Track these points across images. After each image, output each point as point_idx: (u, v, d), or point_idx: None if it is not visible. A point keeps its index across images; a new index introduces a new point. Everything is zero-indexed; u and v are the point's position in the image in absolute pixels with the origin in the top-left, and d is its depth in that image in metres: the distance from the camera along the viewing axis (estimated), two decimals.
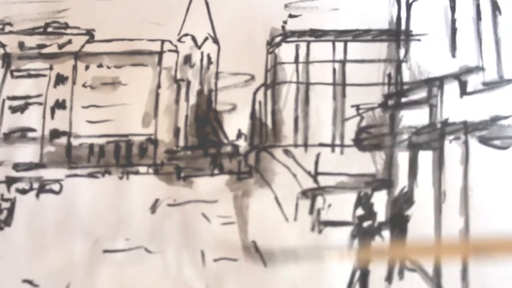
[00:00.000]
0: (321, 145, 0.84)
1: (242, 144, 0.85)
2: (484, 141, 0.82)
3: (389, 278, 0.79)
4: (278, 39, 0.88)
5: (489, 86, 0.84)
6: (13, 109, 0.87)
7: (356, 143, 0.84)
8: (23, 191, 0.84)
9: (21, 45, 0.88)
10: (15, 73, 0.88)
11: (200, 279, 0.80)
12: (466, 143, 0.82)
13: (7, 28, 0.89)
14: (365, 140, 0.84)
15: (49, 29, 0.89)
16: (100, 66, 0.88)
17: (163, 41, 0.88)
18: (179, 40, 0.88)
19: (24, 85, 0.87)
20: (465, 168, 0.81)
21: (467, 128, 0.82)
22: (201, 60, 0.87)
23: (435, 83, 0.84)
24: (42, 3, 0.90)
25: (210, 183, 0.83)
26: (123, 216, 0.82)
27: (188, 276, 0.80)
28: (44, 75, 0.88)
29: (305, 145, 0.84)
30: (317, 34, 0.88)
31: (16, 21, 0.90)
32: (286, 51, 0.87)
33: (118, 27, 0.88)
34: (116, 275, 0.81)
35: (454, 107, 0.83)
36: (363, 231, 0.81)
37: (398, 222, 0.81)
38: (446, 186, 0.81)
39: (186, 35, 0.88)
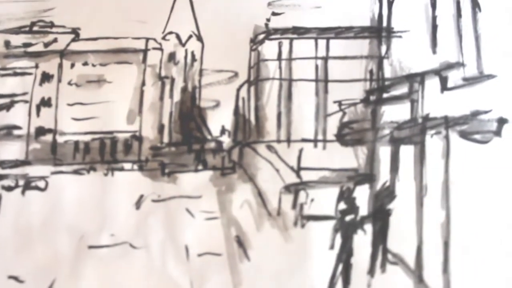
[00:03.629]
0: (304, 140, 0.85)
1: (226, 140, 0.86)
2: (464, 135, 0.83)
3: (371, 271, 0.80)
4: (261, 36, 0.89)
5: (469, 81, 0.85)
6: None
7: (339, 138, 0.85)
8: (9, 188, 0.84)
9: (7, 44, 0.89)
10: (1, 72, 0.88)
11: (185, 273, 0.81)
12: (447, 138, 0.83)
13: None
14: (347, 135, 0.85)
15: (35, 28, 0.90)
16: (85, 64, 0.88)
17: (147, 39, 0.89)
18: (163, 38, 0.89)
19: (9, 83, 0.88)
20: (446, 162, 0.82)
21: (448, 122, 0.83)
22: (185, 57, 0.88)
23: (416, 79, 0.85)
24: (28, 3, 0.91)
25: (194, 179, 0.84)
26: (108, 212, 0.83)
27: (172, 271, 0.81)
28: (30, 73, 0.89)
29: (288, 141, 0.85)
30: (300, 32, 0.89)
31: (2, 20, 0.90)
32: (269, 48, 0.88)
33: (103, 26, 0.89)
34: (101, 271, 0.81)
35: (435, 102, 0.84)
36: (346, 225, 0.81)
37: (380, 215, 0.81)
38: (427, 180, 0.82)
39: (170, 33, 0.89)
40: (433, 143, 0.83)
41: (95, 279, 0.81)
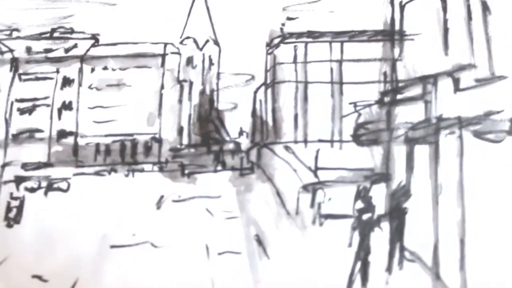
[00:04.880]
0: (321, 141, 0.86)
1: (244, 141, 0.87)
2: (478, 135, 0.85)
3: (389, 269, 0.81)
4: (276, 40, 0.91)
5: (481, 82, 0.86)
6: (21, 111, 0.89)
7: (355, 139, 0.86)
8: (32, 190, 0.86)
9: (28, 49, 0.91)
10: (23, 77, 0.90)
11: (205, 272, 0.82)
12: (460, 137, 0.85)
13: (15, 34, 0.92)
14: (363, 135, 0.86)
15: (56, 34, 0.92)
16: (105, 68, 0.90)
17: (165, 44, 0.91)
18: (181, 42, 0.91)
19: (31, 88, 0.90)
20: (460, 161, 0.84)
21: (461, 122, 0.85)
22: (203, 61, 0.90)
23: (429, 80, 0.87)
24: (48, 10, 0.93)
25: (213, 179, 0.86)
26: (129, 212, 0.85)
27: (193, 269, 0.82)
28: (51, 78, 0.90)
29: (305, 141, 0.87)
30: (314, 35, 0.91)
31: (23, 27, 0.92)
32: (284, 52, 0.90)
33: (122, 31, 0.91)
34: (123, 270, 0.83)
35: (448, 103, 0.86)
36: (363, 224, 0.83)
37: (396, 214, 0.83)
38: (442, 179, 0.83)
39: (188, 38, 0.91)
40: (447, 142, 0.85)
41: (117, 278, 0.82)
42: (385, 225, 0.83)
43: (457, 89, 0.87)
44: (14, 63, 0.91)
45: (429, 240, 0.81)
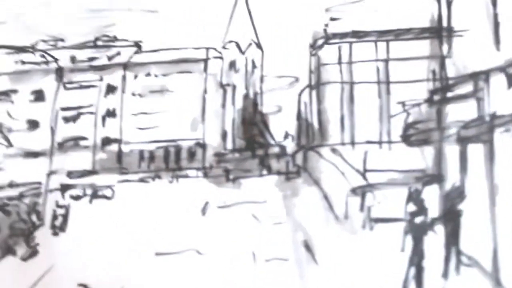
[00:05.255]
0: (368, 142, 0.84)
1: (289, 145, 0.85)
2: None
3: (445, 274, 0.77)
4: (320, 41, 0.89)
5: None
6: (66, 119, 0.90)
7: (404, 139, 0.83)
8: (77, 198, 0.86)
9: (72, 58, 0.92)
10: (68, 85, 0.91)
11: (252, 279, 0.80)
12: None
13: (60, 44, 0.93)
14: (413, 135, 0.83)
15: (99, 43, 0.92)
16: (148, 75, 0.90)
17: (208, 49, 0.90)
18: (223, 47, 0.90)
19: (76, 96, 0.90)
20: None
21: None
22: (246, 65, 0.89)
23: (481, 77, 0.84)
24: (92, 19, 0.93)
25: (259, 184, 0.84)
26: (174, 219, 0.83)
27: (239, 277, 0.80)
28: (95, 86, 0.91)
29: (352, 143, 0.84)
30: (359, 35, 0.88)
31: (67, 37, 0.93)
32: (328, 53, 0.88)
33: (164, 37, 0.91)
34: (169, 277, 0.81)
35: (502, 99, 0.82)
36: (416, 227, 0.80)
37: (451, 216, 0.79)
38: (498, 179, 0.79)
39: (230, 42, 0.90)
40: (503, 140, 0.81)
41: (162, 286, 0.81)
42: (440, 228, 0.79)
43: (510, 84, 0.83)
44: (59, 72, 0.91)
45: (488, 243, 0.77)
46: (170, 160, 0.86)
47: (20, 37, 0.92)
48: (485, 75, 0.84)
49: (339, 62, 0.88)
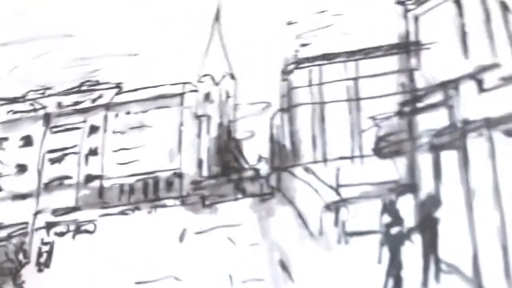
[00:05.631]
0: (341, 158, 0.84)
1: (263, 167, 0.86)
2: (510, 133, 0.79)
3: (425, 283, 0.74)
4: (291, 67, 0.91)
5: (507, 80, 0.81)
6: (52, 161, 0.93)
7: (376, 152, 0.83)
8: (61, 234, 0.88)
9: (59, 104, 0.97)
10: (54, 129, 0.95)
11: None
12: (490, 138, 0.79)
13: (48, 92, 0.98)
14: (385, 148, 0.83)
15: (83, 88, 0.97)
16: (128, 113, 0.94)
17: (184, 83, 0.93)
18: (199, 80, 0.93)
19: (61, 139, 0.95)
20: (493, 163, 0.78)
21: (490, 123, 0.80)
22: (220, 95, 0.92)
23: (450, 85, 0.83)
24: (77, 67, 0.99)
25: (234, 208, 0.84)
26: (153, 247, 0.84)
27: None
28: (79, 128, 0.95)
29: (325, 160, 0.84)
30: (329, 57, 0.90)
31: (55, 85, 0.99)
32: (299, 76, 0.90)
33: (144, 77, 0.95)
34: None
35: (473, 105, 0.81)
36: (392, 238, 0.78)
37: (427, 225, 0.77)
38: (474, 184, 0.77)
39: (205, 75, 0.93)
40: (476, 145, 0.79)
41: None
42: (417, 237, 0.77)
43: (481, 90, 0.82)
44: (46, 118, 0.96)
45: (467, 249, 0.74)
46: (148, 192, 0.88)
47: (12, 89, 0.98)
48: (455, 83, 0.83)
49: (310, 85, 0.89)
